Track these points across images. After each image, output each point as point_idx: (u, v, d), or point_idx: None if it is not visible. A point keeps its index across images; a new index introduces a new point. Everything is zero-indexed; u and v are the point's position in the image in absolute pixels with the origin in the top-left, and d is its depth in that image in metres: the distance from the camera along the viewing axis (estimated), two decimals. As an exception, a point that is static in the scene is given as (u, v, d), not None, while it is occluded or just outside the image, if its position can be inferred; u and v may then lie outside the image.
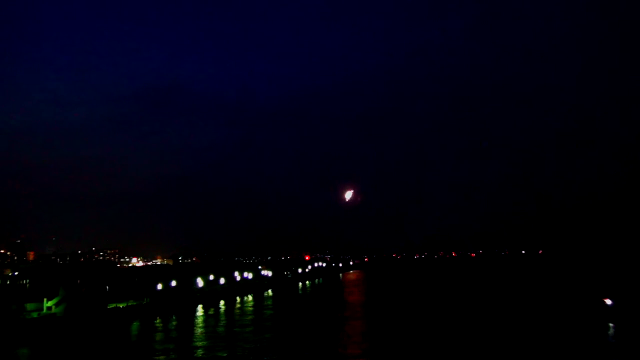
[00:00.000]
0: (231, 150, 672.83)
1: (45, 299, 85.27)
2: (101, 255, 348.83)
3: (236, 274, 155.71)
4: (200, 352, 62.03)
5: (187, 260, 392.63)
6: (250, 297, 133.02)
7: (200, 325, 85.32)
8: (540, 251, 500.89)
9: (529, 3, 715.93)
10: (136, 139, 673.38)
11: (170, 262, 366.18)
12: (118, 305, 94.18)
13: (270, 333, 75.44)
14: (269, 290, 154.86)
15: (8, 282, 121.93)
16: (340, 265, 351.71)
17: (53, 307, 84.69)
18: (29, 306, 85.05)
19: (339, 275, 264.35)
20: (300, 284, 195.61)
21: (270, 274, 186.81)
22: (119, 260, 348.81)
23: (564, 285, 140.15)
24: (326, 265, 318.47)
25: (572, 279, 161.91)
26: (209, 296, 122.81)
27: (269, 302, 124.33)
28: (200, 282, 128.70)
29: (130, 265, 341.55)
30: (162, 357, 59.97)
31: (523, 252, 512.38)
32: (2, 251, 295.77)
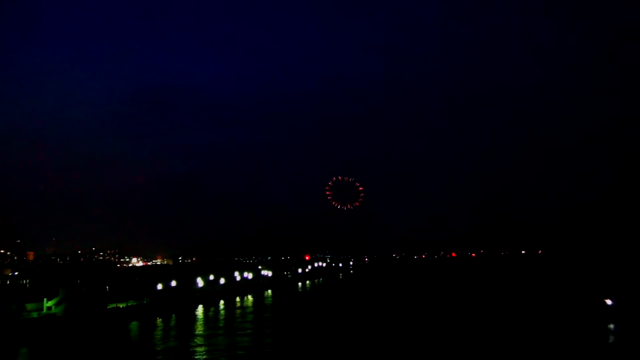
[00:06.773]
0: (231, 150, 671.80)
1: (45, 299, 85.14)
2: (101, 255, 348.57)
3: (236, 274, 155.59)
4: (200, 352, 61.99)
5: (187, 260, 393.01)
6: (250, 297, 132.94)
7: (201, 325, 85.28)
8: (540, 251, 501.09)
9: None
10: (137, 139, 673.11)
11: (170, 262, 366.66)
12: (118, 305, 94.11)
13: (270, 330, 75.67)
14: (269, 290, 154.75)
15: (8, 282, 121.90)
16: (341, 265, 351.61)
17: (53, 307, 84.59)
18: (29, 306, 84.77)
19: (339, 275, 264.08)
20: (300, 284, 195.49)
21: (270, 274, 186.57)
22: (119, 260, 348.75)
23: (564, 285, 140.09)
24: (326, 265, 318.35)
25: (573, 279, 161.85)
26: (209, 296, 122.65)
27: (269, 302, 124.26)
28: (200, 282, 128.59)
29: (130, 265, 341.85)
30: (162, 358, 59.95)
31: (523, 252, 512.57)
32: (2, 251, 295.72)
